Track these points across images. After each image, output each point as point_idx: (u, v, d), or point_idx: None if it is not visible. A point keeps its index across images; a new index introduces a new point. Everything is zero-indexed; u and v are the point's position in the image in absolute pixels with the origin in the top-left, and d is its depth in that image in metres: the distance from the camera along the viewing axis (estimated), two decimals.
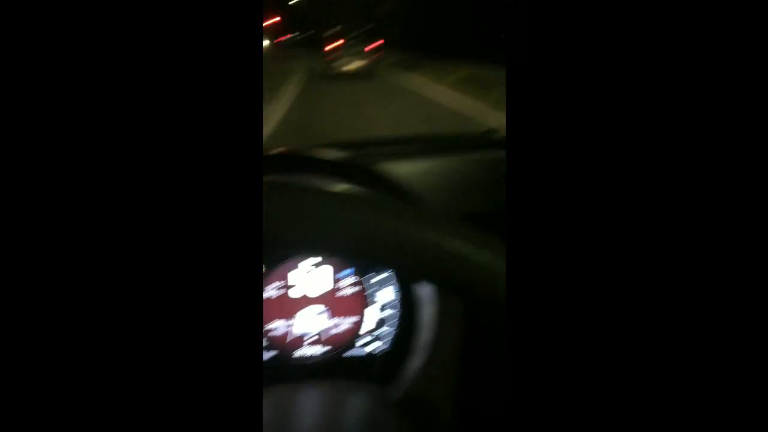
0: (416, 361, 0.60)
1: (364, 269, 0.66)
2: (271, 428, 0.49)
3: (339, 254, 0.31)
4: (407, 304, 0.65)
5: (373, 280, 0.66)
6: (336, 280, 0.66)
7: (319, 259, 0.65)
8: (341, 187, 0.49)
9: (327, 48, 12.36)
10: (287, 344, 0.66)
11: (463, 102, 7.49)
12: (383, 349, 0.67)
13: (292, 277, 0.65)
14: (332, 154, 0.64)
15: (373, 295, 0.66)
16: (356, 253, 0.28)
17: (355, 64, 11.87)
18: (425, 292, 0.61)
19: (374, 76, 11.84)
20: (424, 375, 0.58)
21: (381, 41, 12.38)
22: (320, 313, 0.66)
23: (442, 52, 12.50)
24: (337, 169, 0.60)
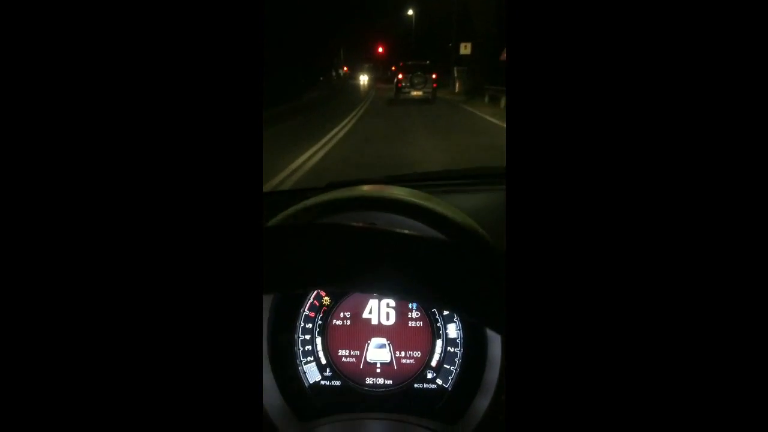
0: (482, 400, 0.59)
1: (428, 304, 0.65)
2: None
3: (398, 294, 0.30)
4: (473, 341, 0.64)
5: (439, 316, 0.65)
6: (401, 314, 0.66)
7: None
8: (406, 224, 0.51)
9: (401, 76, 14.80)
10: (355, 373, 0.66)
11: None
12: (448, 385, 0.65)
13: (360, 308, 0.66)
14: (398, 193, 0.61)
15: (438, 330, 0.65)
16: (417, 294, 0.28)
17: (420, 92, 14.36)
18: (492, 331, 0.58)
19: (435, 100, 14.41)
20: (490, 417, 0.56)
21: (436, 75, 14.69)
22: (386, 344, 0.66)
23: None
24: (401, 208, 0.58)
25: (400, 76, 14.73)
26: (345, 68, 54.99)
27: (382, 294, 0.63)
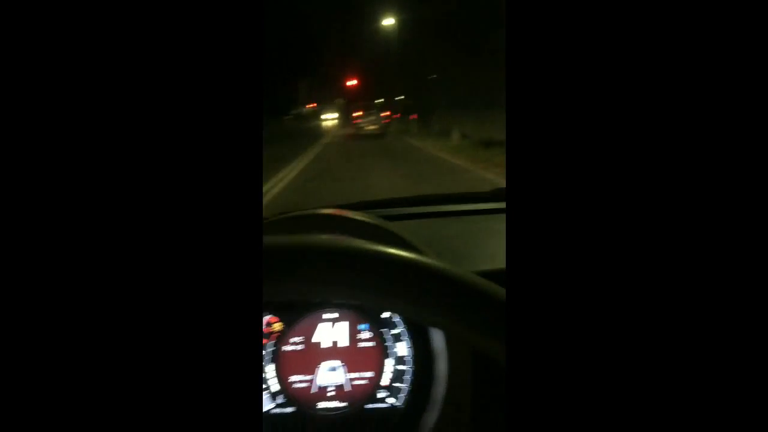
0: (431, 415, 0.60)
1: (379, 324, 0.66)
2: None
3: (358, 301, 0.35)
4: (422, 359, 0.64)
5: (388, 335, 0.66)
6: (352, 335, 0.66)
7: (336, 315, 0.66)
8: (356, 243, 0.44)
9: (355, 114, 18.03)
10: (307, 398, 0.65)
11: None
12: (400, 403, 0.66)
13: (311, 332, 0.66)
14: (350, 214, 0.67)
15: (388, 349, 0.66)
16: (373, 303, 0.29)
17: (374, 126, 17.21)
18: (438, 346, 0.61)
19: (386, 135, 16.60)
20: (438, 429, 0.59)
21: (389, 113, 17.83)
22: (338, 367, 0.66)
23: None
24: (352, 227, 0.63)
25: (356, 114, 18.60)
26: (310, 105, 47.50)
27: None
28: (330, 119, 32.37)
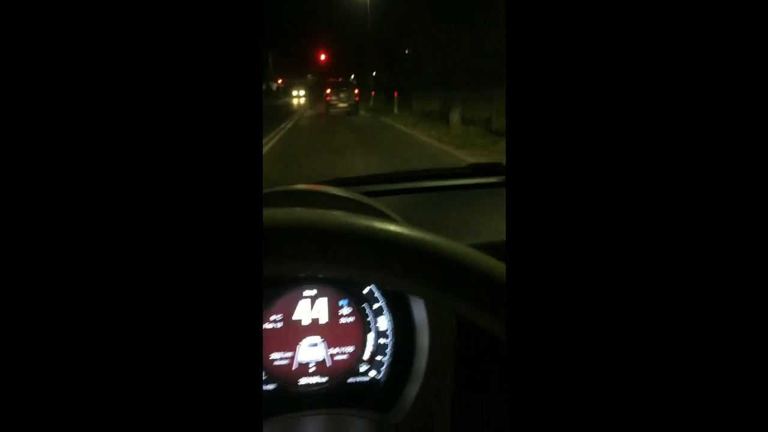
0: (412, 387, 0.62)
1: (359, 299, 0.66)
2: None
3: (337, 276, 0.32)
4: (402, 332, 0.65)
5: (369, 310, 0.66)
6: (332, 311, 0.66)
7: (315, 291, 0.65)
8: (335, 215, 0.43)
9: (329, 90, 18.26)
10: (289, 375, 0.66)
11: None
12: (381, 377, 0.66)
13: (291, 309, 0.65)
14: (329, 190, 0.67)
15: (369, 324, 0.66)
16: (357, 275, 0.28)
17: (345, 104, 17.65)
18: (420, 318, 0.62)
19: (357, 112, 17.45)
20: (421, 401, 0.60)
21: (357, 90, 18.43)
22: (319, 343, 0.66)
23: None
24: (331, 202, 0.63)
25: (328, 91, 18.49)
26: (279, 81, 45.03)
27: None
28: (299, 96, 30.26)
